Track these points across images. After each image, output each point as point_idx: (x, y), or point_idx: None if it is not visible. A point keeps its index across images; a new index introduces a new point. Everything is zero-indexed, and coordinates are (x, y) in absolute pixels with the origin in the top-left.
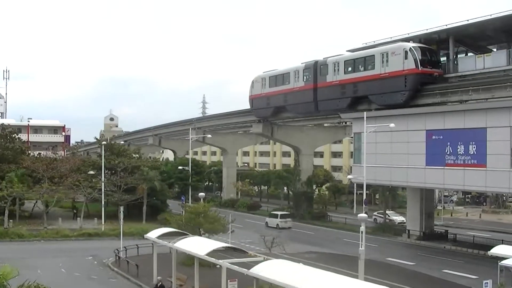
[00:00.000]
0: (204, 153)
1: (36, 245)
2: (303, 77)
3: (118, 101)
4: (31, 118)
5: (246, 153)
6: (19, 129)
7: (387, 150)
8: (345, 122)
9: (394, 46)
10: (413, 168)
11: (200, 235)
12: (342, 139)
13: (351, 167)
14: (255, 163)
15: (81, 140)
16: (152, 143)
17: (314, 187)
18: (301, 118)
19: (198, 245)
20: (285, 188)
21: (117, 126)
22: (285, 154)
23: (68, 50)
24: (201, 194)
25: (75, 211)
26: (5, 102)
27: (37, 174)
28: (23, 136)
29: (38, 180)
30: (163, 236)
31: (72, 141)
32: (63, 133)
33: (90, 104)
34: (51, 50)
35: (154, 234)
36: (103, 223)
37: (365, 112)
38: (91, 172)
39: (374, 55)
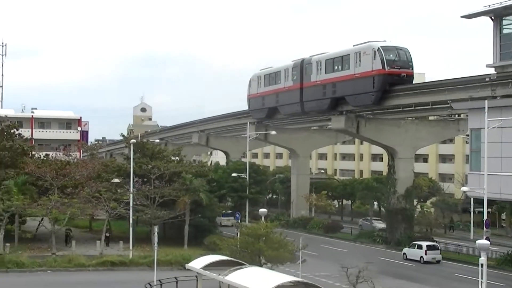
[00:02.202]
0: (267, 155)
1: (41, 278)
2: (292, 76)
3: (152, 87)
4: (35, 108)
5: (322, 156)
6: (20, 122)
7: None
8: (458, 115)
9: (365, 45)
10: None
11: (260, 265)
12: (454, 137)
13: (466, 175)
14: (335, 170)
15: (103, 138)
16: (198, 142)
17: (415, 202)
18: (396, 110)
19: (257, 279)
20: (375, 203)
21: (150, 119)
22: (376, 157)
23: (85, 18)
24: (262, 210)
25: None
26: (1, 86)
27: (43, 182)
28: (26, 132)
29: (45, 190)
30: (211, 266)
31: (91, 139)
32: (79, 128)
33: (115, 90)
34: (62, 18)
35: (199, 263)
36: (131, 248)
37: (486, 101)
38: (116, 180)
39: (349, 54)
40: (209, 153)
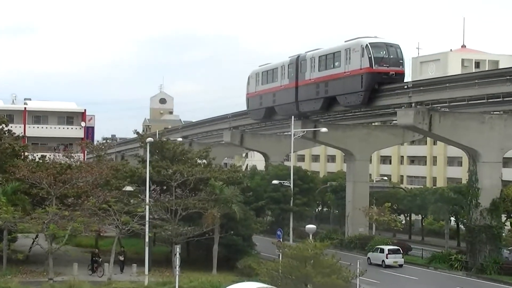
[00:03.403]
0: (316, 158)
1: None
2: (288, 74)
3: (173, 74)
4: (29, 99)
5: (386, 159)
6: (9, 116)
7: None
8: None
9: (354, 42)
10: None
11: None
12: None
13: None
14: (401, 176)
15: (112, 136)
16: (230, 141)
17: (503, 218)
18: (478, 102)
19: None
20: (452, 218)
21: (171, 113)
22: (453, 161)
23: None
24: (310, 226)
25: (95, 257)
26: None
27: (39, 190)
28: (17, 128)
29: (41, 200)
30: None
31: (97, 137)
32: (83, 124)
33: (128, 78)
34: None
35: None
36: (146, 272)
37: None
38: (129, 188)
39: (340, 51)
40: (243, 155)
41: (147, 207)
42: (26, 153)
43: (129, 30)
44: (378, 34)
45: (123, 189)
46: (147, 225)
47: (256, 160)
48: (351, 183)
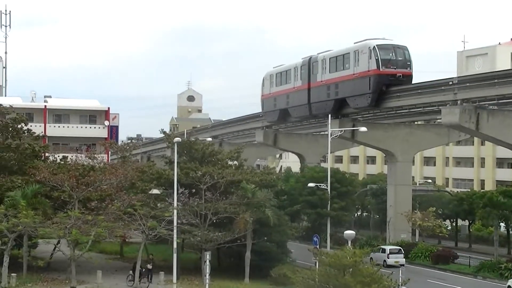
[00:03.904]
0: (354, 159)
1: None
2: (301, 75)
3: (202, 69)
4: (49, 96)
5: (429, 161)
6: (29, 114)
7: None
8: None
9: (362, 43)
10: None
11: None
12: None
13: None
14: (446, 179)
15: (138, 136)
16: (262, 141)
17: None
18: None
19: None
20: (502, 224)
21: (200, 111)
22: (502, 162)
23: None
24: (349, 232)
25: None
26: (4, 67)
27: (60, 193)
28: (37, 128)
29: (62, 204)
30: None
31: (122, 137)
32: (106, 123)
33: (153, 74)
34: None
35: None
36: (174, 280)
37: None
38: (155, 192)
39: (349, 53)
40: (277, 156)
41: (175, 211)
42: (46, 154)
43: (154, 22)
44: (425, 24)
45: (150, 192)
46: (175, 231)
47: (291, 162)
48: (392, 186)
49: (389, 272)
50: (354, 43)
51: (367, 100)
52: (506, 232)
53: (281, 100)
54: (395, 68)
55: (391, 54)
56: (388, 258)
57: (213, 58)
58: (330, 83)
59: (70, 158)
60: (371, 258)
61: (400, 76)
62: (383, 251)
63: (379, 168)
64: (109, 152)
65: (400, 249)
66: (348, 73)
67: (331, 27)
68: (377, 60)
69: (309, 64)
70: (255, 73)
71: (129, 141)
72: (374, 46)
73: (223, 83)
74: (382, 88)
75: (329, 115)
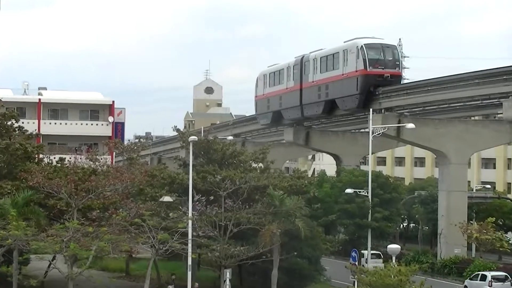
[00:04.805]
0: (400, 161)
1: None
2: (293, 75)
3: (222, 56)
4: (44, 88)
5: (488, 163)
6: (20, 109)
7: None
8: None
9: (351, 42)
10: None
11: None
12: None
13: None
14: (508, 184)
15: (147, 134)
16: (292, 140)
17: None
18: None
19: None
20: None
21: (220, 105)
22: None
23: None
24: (393, 246)
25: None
26: None
27: (56, 201)
28: (30, 125)
29: (59, 213)
30: None
31: (128, 135)
32: (111, 119)
33: (165, 61)
34: None
35: None
36: None
37: None
38: (167, 199)
39: (339, 52)
40: (310, 157)
41: (190, 222)
42: (41, 155)
43: (168, 1)
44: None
45: (160, 199)
46: (189, 244)
47: (325, 164)
48: (444, 193)
49: None
50: (344, 41)
51: (355, 102)
52: None
53: (274, 102)
54: (383, 68)
55: (379, 54)
56: (490, 287)
57: (236, 43)
58: (320, 84)
59: (68, 160)
60: (465, 286)
61: (388, 76)
62: (483, 278)
63: (428, 171)
64: (114, 153)
65: (507, 275)
66: (338, 73)
67: (377, 9)
68: (364, 60)
69: (301, 64)
70: (283, 61)
71: (137, 140)
72: (362, 45)
73: (247, 73)
74: (370, 89)
75: (371, 110)
